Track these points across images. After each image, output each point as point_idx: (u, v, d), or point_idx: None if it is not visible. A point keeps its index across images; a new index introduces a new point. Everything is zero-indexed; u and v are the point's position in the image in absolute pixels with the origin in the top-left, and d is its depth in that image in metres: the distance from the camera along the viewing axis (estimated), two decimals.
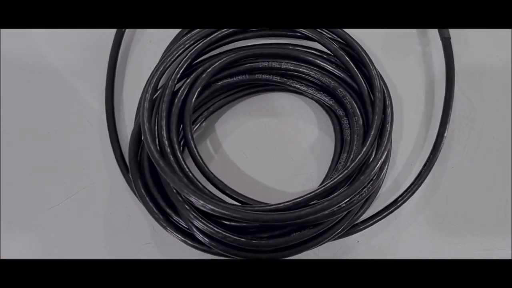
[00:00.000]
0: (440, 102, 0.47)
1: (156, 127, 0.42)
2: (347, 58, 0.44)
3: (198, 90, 0.44)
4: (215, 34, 0.46)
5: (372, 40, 0.50)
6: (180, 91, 0.43)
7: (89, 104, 0.48)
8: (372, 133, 0.41)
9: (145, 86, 0.45)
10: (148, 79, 0.44)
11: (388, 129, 0.42)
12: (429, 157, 0.45)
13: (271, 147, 0.47)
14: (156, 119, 0.42)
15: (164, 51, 0.48)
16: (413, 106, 0.49)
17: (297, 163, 0.46)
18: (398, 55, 0.50)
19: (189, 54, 0.45)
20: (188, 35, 0.46)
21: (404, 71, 0.50)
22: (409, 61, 0.50)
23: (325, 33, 0.46)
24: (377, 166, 0.41)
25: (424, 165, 0.45)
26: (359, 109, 0.44)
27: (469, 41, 0.50)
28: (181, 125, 0.43)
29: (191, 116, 0.43)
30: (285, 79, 0.47)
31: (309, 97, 0.48)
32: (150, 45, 0.51)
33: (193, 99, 0.44)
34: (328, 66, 0.46)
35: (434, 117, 0.48)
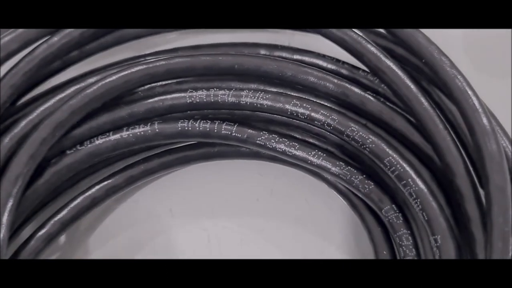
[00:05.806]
0: None
1: None
2: (410, 84, 0.19)
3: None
4: (57, 38, 0.23)
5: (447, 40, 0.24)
6: None
7: None
8: None
9: None
10: None
11: None
12: None
13: None
14: None
15: None
16: None
17: None
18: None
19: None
20: None
21: None
22: None
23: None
24: None
25: None
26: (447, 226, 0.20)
27: None
28: None
29: None
30: (257, 131, 0.23)
31: (319, 177, 0.24)
32: None
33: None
34: (366, 103, 0.21)
35: None
